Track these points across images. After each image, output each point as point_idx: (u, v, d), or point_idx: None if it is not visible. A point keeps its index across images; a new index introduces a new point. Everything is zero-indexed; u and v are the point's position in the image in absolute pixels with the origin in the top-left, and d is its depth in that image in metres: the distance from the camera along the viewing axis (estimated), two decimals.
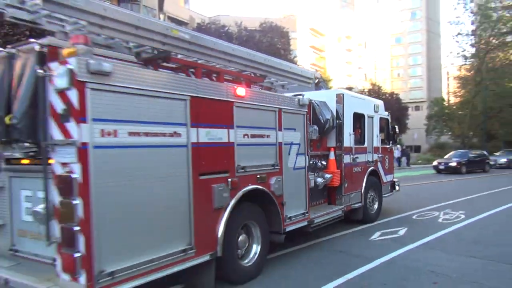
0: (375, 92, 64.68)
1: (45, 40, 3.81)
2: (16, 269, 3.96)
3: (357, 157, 8.57)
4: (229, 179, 4.87)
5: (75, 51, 3.36)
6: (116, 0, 24.66)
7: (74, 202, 3.30)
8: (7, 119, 3.82)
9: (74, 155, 3.29)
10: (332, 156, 7.80)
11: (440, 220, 9.85)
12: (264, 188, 5.48)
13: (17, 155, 4.12)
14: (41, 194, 3.74)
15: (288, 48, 31.48)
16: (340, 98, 8.09)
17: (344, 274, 5.72)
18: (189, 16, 47.34)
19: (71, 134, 3.31)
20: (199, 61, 5.23)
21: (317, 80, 8.20)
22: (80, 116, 3.28)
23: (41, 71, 3.49)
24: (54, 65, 3.42)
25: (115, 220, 3.52)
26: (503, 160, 29.98)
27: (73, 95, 3.28)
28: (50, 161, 3.51)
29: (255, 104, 5.36)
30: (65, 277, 3.41)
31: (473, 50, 41.80)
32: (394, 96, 64.19)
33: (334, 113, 7.84)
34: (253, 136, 5.31)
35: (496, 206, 11.76)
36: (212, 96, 4.65)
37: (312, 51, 69.75)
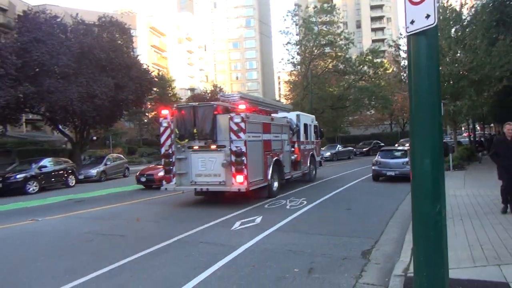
0: (216, 93, 67.43)
1: (215, 103, 11.91)
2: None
3: (305, 146, 17.03)
4: (271, 154, 12.91)
5: (244, 109, 11.47)
6: None
7: (243, 158, 11.02)
8: (194, 131, 11.49)
9: (243, 144, 11.09)
10: (296, 145, 15.80)
11: (288, 207, 11.05)
12: (278, 158, 13.47)
13: (195, 145, 11.62)
14: (210, 159, 11.52)
15: (130, 45, 30.23)
16: (297, 116, 16.58)
17: (216, 262, 6.00)
18: (8, 2, 41.20)
19: (241, 137, 11.10)
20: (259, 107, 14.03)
21: (297, 113, 17.03)
22: (245, 131, 11.12)
23: (227, 114, 11.35)
24: (233, 113, 11.27)
25: (250, 164, 11.26)
26: (327, 154, 34.93)
27: (242, 124, 11.10)
28: (217, 147, 11.48)
29: (276, 123, 13.78)
30: (237, 185, 11.12)
31: (299, 58, 47.37)
32: None
33: (296, 124, 16.03)
34: (275, 137, 13.53)
35: (330, 192, 13.80)
36: (266, 121, 12.98)
37: (153, 50, 68.39)
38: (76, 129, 30.14)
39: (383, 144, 46.96)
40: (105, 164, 24.32)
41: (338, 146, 39.17)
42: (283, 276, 5.37)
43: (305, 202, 11.63)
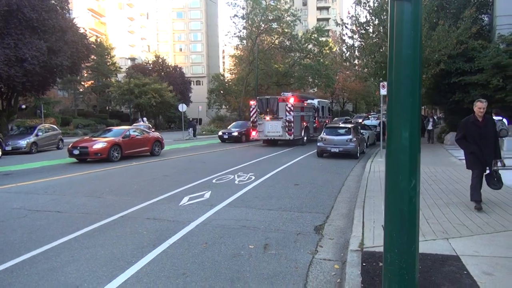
0: (159, 64, 64.91)
1: (278, 97, 24.16)
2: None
3: (321, 120, 29.25)
4: (304, 122, 24.79)
5: (291, 101, 23.22)
6: None
7: (291, 124, 22.98)
8: (267, 110, 23.81)
9: (291, 117, 22.99)
10: (316, 119, 27.72)
11: (236, 182, 10.84)
12: (307, 125, 25.45)
13: (267, 117, 23.70)
14: (275, 124, 23.49)
15: (65, 6, 27.74)
16: (318, 102, 29.41)
17: (166, 240, 5.65)
18: None
19: (290, 114, 22.98)
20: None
21: (315, 100, 29.72)
22: (292, 111, 22.98)
23: (284, 102, 23.34)
24: (286, 102, 23.34)
25: (294, 127, 23.21)
26: None
27: (291, 107, 23.05)
28: (278, 118, 23.42)
29: (307, 106, 25.93)
30: (288, 136, 23.28)
31: (246, 32, 46.70)
32: (178, 70, 66.00)
33: (317, 106, 27.97)
34: (306, 114, 25.50)
35: (276, 167, 13.79)
36: (302, 106, 24.85)
37: (91, 15, 63.82)
38: (2, 96, 27.53)
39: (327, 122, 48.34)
40: (36, 135, 22.47)
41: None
42: (238, 253, 5.16)
43: (253, 178, 11.50)
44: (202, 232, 6.10)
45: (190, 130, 35.07)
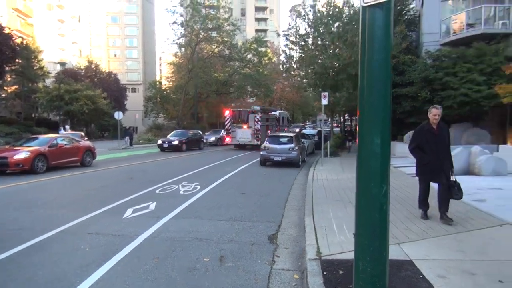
0: (92, 70, 61.90)
1: (248, 109, 31.19)
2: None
3: (281, 129, 34.87)
4: (269, 130, 29.43)
5: (259, 113, 29.04)
6: None
7: (259, 132, 28.10)
8: (239, 120, 30.51)
9: (259, 126, 28.27)
10: (277, 127, 33.76)
11: (181, 192, 10.49)
12: (271, 132, 28.98)
13: (239, 126, 29.63)
14: (245, 132, 28.87)
15: None
16: (279, 113, 35.77)
17: (112, 256, 5.23)
18: None
19: (258, 124, 28.21)
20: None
21: (278, 111, 36.49)
22: (259, 122, 28.31)
23: (253, 114, 29.06)
24: (255, 114, 29.05)
25: (261, 134, 27.95)
26: (212, 138, 34.83)
27: (259, 118, 28.50)
28: (248, 127, 29.17)
29: (271, 117, 31.83)
30: (255, 142, 27.85)
31: (186, 39, 46.08)
32: (113, 76, 63.40)
33: (277, 117, 34.04)
34: (270, 123, 31.07)
35: (220, 177, 13.58)
36: (267, 117, 30.76)
37: (16, 15, 59.29)
38: None
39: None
40: None
41: (222, 131, 39.30)
42: (193, 267, 4.91)
43: (199, 187, 11.21)
44: (152, 246, 5.75)
45: (127, 139, 33.63)
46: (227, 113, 29.97)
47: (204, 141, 31.78)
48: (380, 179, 2.91)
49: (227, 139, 29.52)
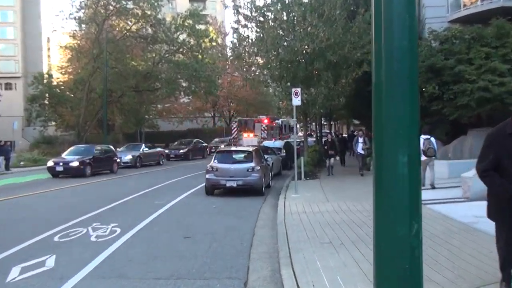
0: None
1: (254, 118, 46.98)
2: None
3: (284, 134, 46.96)
4: (273, 138, 40.74)
5: (265, 122, 44.04)
6: None
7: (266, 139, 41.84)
8: (246, 129, 44.24)
9: (265, 134, 41.87)
10: (279, 135, 46.13)
11: (93, 237, 10.22)
12: (276, 138, 41.29)
13: (245, 135, 43.06)
14: (252, 140, 41.61)
15: None
16: (281, 122, 48.22)
17: None
18: None
19: (264, 132, 42.26)
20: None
21: (280, 120, 48.02)
22: (265, 130, 42.50)
23: (259, 123, 43.65)
24: (261, 123, 43.96)
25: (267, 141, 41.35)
26: (128, 157, 34.06)
27: (264, 127, 42.90)
28: (254, 135, 42.87)
29: (275, 126, 46.81)
30: None
31: (89, 12, 45.26)
32: None
33: (281, 125, 48.18)
34: (275, 130, 46.28)
35: (149, 213, 13.38)
36: (272, 125, 45.54)
37: None
38: None
39: (205, 144, 49.06)
40: None
41: (143, 146, 38.63)
42: None
43: (118, 230, 10.95)
44: None
45: (1, 159, 32.30)
46: (234, 123, 45.78)
47: (118, 160, 31.11)
48: (409, 214, 2.93)
49: None
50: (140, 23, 45.97)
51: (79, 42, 49.32)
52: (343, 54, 20.69)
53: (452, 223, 10.46)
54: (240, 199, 16.16)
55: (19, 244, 9.59)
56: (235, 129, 42.14)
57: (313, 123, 51.55)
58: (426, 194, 9.38)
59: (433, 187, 15.51)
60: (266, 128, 40.12)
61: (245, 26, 24.13)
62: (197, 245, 9.47)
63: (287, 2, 22.20)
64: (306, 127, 28.39)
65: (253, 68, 26.66)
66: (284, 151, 28.45)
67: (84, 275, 7.40)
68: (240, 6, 24.03)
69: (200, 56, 46.56)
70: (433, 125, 19.67)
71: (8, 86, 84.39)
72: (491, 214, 5.39)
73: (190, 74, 45.54)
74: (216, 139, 54.97)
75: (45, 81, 50.79)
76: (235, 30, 24.45)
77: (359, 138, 23.02)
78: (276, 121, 46.36)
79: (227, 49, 44.10)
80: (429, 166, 15.77)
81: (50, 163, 27.47)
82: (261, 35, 23.20)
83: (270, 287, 6.85)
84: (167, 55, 47.62)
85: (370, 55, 16.89)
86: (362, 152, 22.55)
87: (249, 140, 39.43)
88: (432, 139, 15.85)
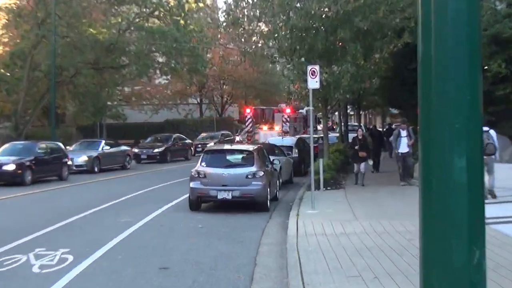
0: None
1: (274, 107, 63.96)
2: None
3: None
4: (296, 129, 56.86)
5: (287, 111, 54.52)
6: None
7: (288, 132, 49.50)
8: (263, 120, 59.91)
9: (287, 126, 52.18)
10: (304, 129, 55.46)
11: (35, 268, 10.30)
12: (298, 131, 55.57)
13: (263, 127, 55.06)
14: (271, 134, 49.98)
15: None
16: (306, 111, 47.40)
17: None
18: None
19: (286, 123, 51.79)
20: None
21: (305, 109, 46.80)
22: (286, 121, 52.06)
23: (280, 113, 55.10)
24: (283, 113, 54.43)
25: (290, 132, 52.86)
26: (82, 158, 33.84)
27: (286, 118, 52.83)
28: (274, 129, 53.38)
29: (298, 116, 58.42)
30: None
31: None
32: None
33: (305, 115, 55.04)
34: (298, 121, 58.08)
35: (113, 235, 13.37)
36: (294, 116, 56.42)
37: None
38: None
39: (189, 141, 48.90)
40: None
41: (103, 143, 38.07)
42: None
43: (71, 258, 11.01)
44: None
45: None
46: (248, 111, 46.01)
47: (69, 162, 31.00)
48: (468, 236, 2.92)
49: None
50: None
51: (18, 1, 49.43)
52: (376, 20, 20.59)
53: None
54: (237, 217, 16.22)
55: None
56: (250, 120, 43.32)
57: (336, 113, 51.74)
58: (488, 209, 9.39)
59: (493, 195, 15.49)
60: (288, 119, 41.12)
61: None
62: (177, 279, 9.53)
63: None
64: (326, 118, 28.30)
65: (254, 38, 26.54)
66: (297, 150, 28.41)
67: None
68: None
69: (182, 22, 46.51)
70: (498, 115, 19.62)
71: None
72: None
73: (168, 46, 45.62)
74: (204, 134, 55.25)
75: None
76: None
77: (402, 131, 21.98)
78: (300, 110, 47.65)
79: (220, 12, 42.56)
80: (487, 167, 14.89)
81: None
82: None
83: None
84: (137, 19, 47.68)
85: (413, 21, 17.12)
86: (408, 150, 21.59)
87: (268, 134, 40.03)
88: (492, 131, 15.94)
